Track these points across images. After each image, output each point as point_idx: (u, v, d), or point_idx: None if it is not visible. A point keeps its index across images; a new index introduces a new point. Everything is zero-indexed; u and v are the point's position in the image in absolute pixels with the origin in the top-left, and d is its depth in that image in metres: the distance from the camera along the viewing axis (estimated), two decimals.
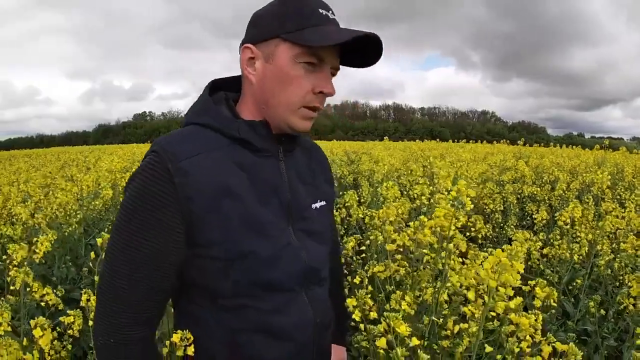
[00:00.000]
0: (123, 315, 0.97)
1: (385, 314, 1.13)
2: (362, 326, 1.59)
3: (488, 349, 1.30)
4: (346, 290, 2.33)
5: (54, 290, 2.27)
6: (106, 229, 4.16)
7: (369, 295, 1.79)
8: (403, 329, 1.08)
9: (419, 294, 2.03)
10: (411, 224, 1.93)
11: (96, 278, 1.88)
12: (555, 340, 1.16)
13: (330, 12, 1.05)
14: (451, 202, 1.48)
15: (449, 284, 1.71)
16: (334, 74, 1.08)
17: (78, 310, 1.88)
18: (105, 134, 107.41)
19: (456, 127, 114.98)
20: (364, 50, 1.05)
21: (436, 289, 1.77)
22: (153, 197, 0.94)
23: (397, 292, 1.90)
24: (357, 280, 2.25)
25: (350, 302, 1.66)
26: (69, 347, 1.81)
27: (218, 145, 1.02)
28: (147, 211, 0.94)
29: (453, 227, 1.60)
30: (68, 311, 1.86)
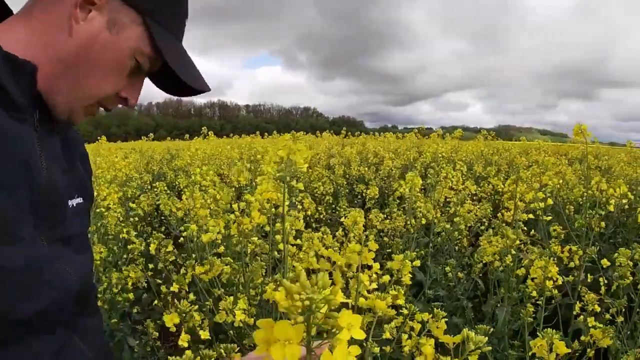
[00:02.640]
0: None
1: None
2: (188, 353, 1.08)
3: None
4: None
5: None
6: None
7: (195, 307, 1.35)
8: None
9: (255, 293, 1.64)
10: (235, 205, 1.49)
11: None
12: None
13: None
14: (279, 166, 1.09)
15: (291, 274, 1.33)
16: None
17: None
18: None
19: (281, 123, 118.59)
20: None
21: (277, 283, 1.37)
22: None
23: (227, 297, 1.48)
24: (174, 288, 1.77)
25: (170, 319, 1.21)
26: None
27: None
28: None
29: (287, 201, 1.21)
30: None
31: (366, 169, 5.67)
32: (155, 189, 4.54)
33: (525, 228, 2.21)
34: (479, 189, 4.11)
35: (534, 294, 1.49)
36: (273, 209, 1.34)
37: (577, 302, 1.71)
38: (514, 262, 1.81)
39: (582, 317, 1.62)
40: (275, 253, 1.31)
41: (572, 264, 1.95)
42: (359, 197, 5.38)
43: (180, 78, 0.80)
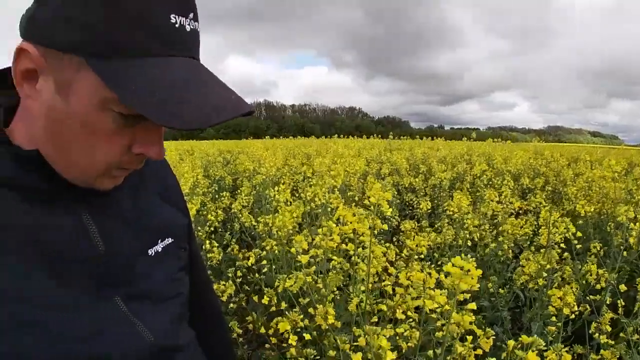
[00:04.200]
0: None
1: None
2: (292, 351, 1.48)
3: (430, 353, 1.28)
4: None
5: None
6: None
7: (301, 316, 1.68)
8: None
9: (332, 302, 1.97)
10: (319, 230, 1.86)
11: None
12: (493, 333, 1.18)
13: (190, 16, 0.61)
14: (371, 209, 1.44)
15: (367, 288, 1.68)
16: None
17: None
18: None
19: (326, 123, 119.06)
20: None
21: (360, 299, 1.72)
22: None
23: (318, 306, 1.83)
24: (265, 300, 2.11)
25: (283, 325, 1.56)
26: None
27: None
28: None
29: (369, 232, 1.56)
30: None
31: (416, 180, 5.91)
32: (221, 198, 4.78)
33: (564, 246, 2.43)
34: (525, 202, 4.32)
35: (553, 319, 1.70)
36: (352, 234, 1.69)
37: (593, 322, 1.88)
38: (547, 283, 2.07)
39: (596, 334, 1.83)
40: (361, 273, 1.65)
41: (598, 286, 2.18)
42: (410, 207, 5.52)
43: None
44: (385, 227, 1.51)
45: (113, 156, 0.64)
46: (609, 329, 1.74)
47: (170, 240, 0.84)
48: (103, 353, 0.67)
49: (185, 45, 0.61)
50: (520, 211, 4.38)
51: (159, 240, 0.81)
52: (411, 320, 1.39)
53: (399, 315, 1.28)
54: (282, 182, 6.00)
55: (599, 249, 2.85)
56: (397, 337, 1.40)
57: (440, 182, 5.33)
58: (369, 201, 1.39)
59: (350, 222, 1.60)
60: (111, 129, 0.61)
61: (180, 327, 0.85)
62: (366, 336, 0.98)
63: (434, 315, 1.21)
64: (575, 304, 1.62)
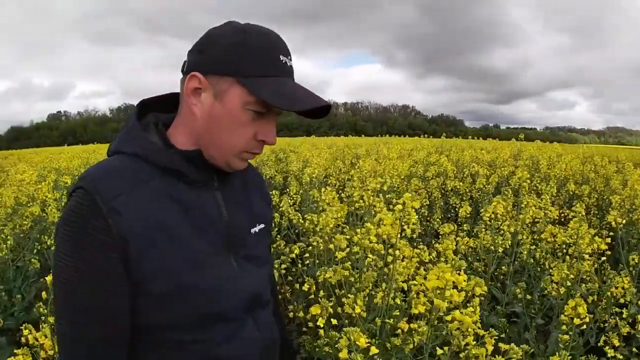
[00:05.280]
0: None
1: (344, 329, 1.25)
2: (321, 332, 1.71)
3: (439, 351, 1.46)
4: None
5: None
6: (35, 250, 3.96)
7: (330, 303, 1.90)
8: (362, 341, 1.18)
9: (366, 296, 2.18)
10: (358, 230, 2.07)
11: (51, 319, 1.85)
12: (496, 334, 1.33)
13: (289, 57, 1.02)
14: (398, 216, 1.64)
15: (394, 286, 1.87)
16: (278, 113, 1.04)
17: (26, 348, 1.78)
18: (18, 137, 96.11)
19: (378, 121, 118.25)
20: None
21: (385, 292, 1.90)
22: (89, 236, 0.89)
23: (350, 296, 2.03)
24: (305, 287, 2.34)
25: (314, 310, 1.76)
26: None
27: (149, 177, 0.98)
28: (86, 251, 0.90)
29: (399, 237, 1.76)
30: (15, 350, 1.75)
31: (461, 183, 5.96)
32: (272, 196, 5.12)
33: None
34: (568, 210, 4.32)
35: (564, 327, 1.78)
36: (386, 237, 1.89)
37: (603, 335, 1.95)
38: (572, 292, 2.16)
39: (606, 348, 1.89)
40: (386, 270, 1.86)
41: (622, 300, 2.21)
42: (453, 210, 5.60)
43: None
44: (408, 232, 1.69)
45: (245, 141, 1.01)
46: (617, 342, 1.82)
47: (263, 225, 1.19)
48: (221, 289, 1.02)
49: (289, 73, 1.01)
50: (563, 219, 4.39)
51: (257, 224, 1.17)
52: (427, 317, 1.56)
53: (413, 310, 1.45)
54: (329, 182, 6.24)
55: (637, 261, 2.87)
56: (413, 332, 1.58)
57: (484, 186, 5.38)
58: (396, 208, 1.58)
59: (384, 225, 1.81)
60: (247, 122, 0.98)
61: (267, 287, 1.21)
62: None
63: (441, 314, 1.37)
64: (586, 315, 1.68)
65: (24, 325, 1.82)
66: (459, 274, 1.38)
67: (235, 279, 1.06)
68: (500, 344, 1.26)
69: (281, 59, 0.99)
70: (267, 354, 1.16)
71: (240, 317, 1.08)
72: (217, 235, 1.05)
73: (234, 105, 0.97)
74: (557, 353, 1.49)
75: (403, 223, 1.66)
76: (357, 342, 1.15)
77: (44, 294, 1.92)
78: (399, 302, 1.75)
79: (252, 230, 1.15)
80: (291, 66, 1.03)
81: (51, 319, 1.85)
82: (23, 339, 1.81)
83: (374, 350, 1.17)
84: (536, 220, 3.73)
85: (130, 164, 0.98)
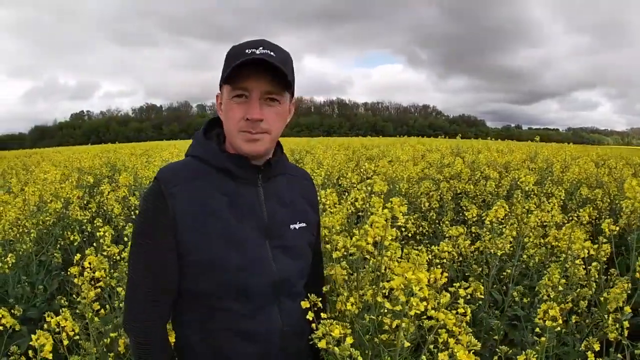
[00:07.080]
0: (139, 305, 1.26)
1: (321, 321, 1.33)
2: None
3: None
4: None
5: (12, 310, 2.19)
6: (58, 246, 4.14)
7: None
8: (336, 332, 1.26)
9: (362, 294, 2.27)
10: (355, 231, 2.16)
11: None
12: (470, 330, 1.40)
13: (261, 47, 1.25)
14: (387, 219, 1.72)
15: (385, 284, 1.94)
16: (272, 99, 1.29)
17: (47, 333, 1.81)
18: (42, 136, 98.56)
19: (399, 121, 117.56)
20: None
21: (375, 291, 1.99)
22: (153, 212, 1.26)
23: (344, 293, 2.12)
24: None
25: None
26: None
27: (206, 173, 1.30)
28: (150, 223, 1.27)
29: (389, 237, 1.84)
30: (37, 331, 1.79)
31: (472, 186, 5.97)
32: None
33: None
34: (579, 214, 4.32)
35: (537, 330, 1.85)
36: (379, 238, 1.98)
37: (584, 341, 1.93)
38: (556, 297, 2.20)
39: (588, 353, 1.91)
40: (383, 269, 1.94)
41: (617, 305, 2.22)
42: (464, 213, 5.66)
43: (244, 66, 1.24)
44: (394, 233, 1.79)
45: (235, 123, 1.28)
46: (598, 347, 1.85)
47: (304, 224, 1.43)
48: (250, 266, 1.28)
49: (257, 60, 1.23)
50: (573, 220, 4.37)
51: (298, 222, 1.41)
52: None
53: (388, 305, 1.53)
54: (339, 183, 6.31)
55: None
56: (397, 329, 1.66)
57: (494, 189, 5.39)
58: (383, 212, 1.67)
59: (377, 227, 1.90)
60: (234, 107, 1.28)
61: (300, 280, 1.44)
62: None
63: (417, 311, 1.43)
64: (559, 317, 1.74)
65: (46, 313, 1.86)
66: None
67: (267, 263, 1.31)
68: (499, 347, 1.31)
69: (247, 51, 1.24)
70: (288, 340, 1.36)
71: (265, 298, 1.31)
72: (258, 224, 1.32)
73: (225, 100, 1.32)
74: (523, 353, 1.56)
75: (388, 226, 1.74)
76: (331, 333, 1.23)
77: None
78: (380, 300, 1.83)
79: (292, 226, 1.40)
80: (262, 53, 1.24)
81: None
82: (45, 326, 1.82)
83: (349, 340, 1.25)
84: (545, 224, 3.75)
85: (193, 163, 1.33)
